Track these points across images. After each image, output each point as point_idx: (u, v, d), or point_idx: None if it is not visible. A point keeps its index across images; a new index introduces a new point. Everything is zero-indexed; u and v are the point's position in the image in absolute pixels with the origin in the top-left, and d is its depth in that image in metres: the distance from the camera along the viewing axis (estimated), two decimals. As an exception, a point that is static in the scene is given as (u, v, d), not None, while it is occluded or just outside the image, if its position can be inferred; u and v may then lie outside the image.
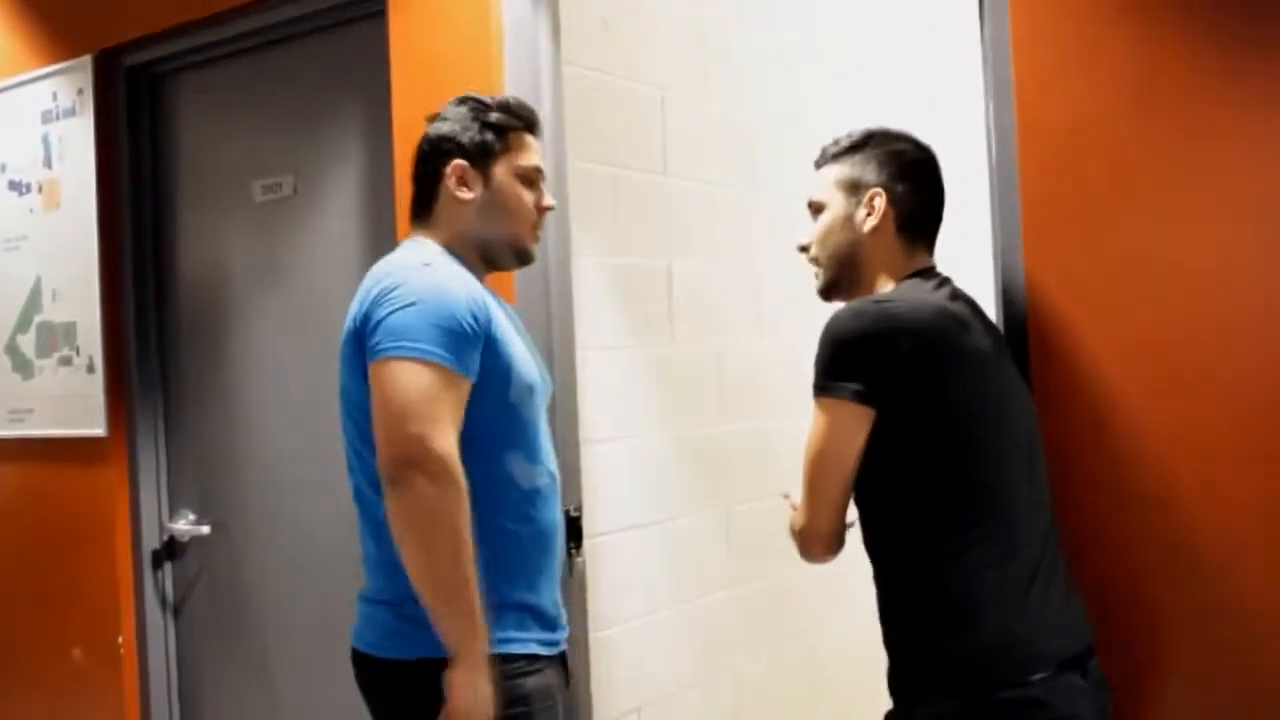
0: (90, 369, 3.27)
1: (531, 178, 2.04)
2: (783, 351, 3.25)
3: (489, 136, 2.01)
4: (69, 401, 3.33)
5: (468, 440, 1.83)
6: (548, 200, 2.08)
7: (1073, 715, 1.70)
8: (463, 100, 2.05)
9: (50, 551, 3.43)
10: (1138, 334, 1.90)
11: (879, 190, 1.88)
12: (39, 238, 3.40)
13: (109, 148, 3.27)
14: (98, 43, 3.27)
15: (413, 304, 1.82)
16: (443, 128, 2.02)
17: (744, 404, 3.18)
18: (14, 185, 3.46)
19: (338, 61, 2.91)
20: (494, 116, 2.02)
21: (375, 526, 1.92)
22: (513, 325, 2.02)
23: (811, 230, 1.96)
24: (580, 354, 2.59)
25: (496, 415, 1.88)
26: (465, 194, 1.99)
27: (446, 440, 1.77)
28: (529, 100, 2.46)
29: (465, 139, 2.00)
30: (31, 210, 3.42)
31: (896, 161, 1.90)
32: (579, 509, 2.49)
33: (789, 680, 3.31)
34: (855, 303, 1.78)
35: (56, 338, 3.36)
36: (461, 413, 1.82)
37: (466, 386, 1.83)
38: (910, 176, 1.90)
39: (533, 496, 1.94)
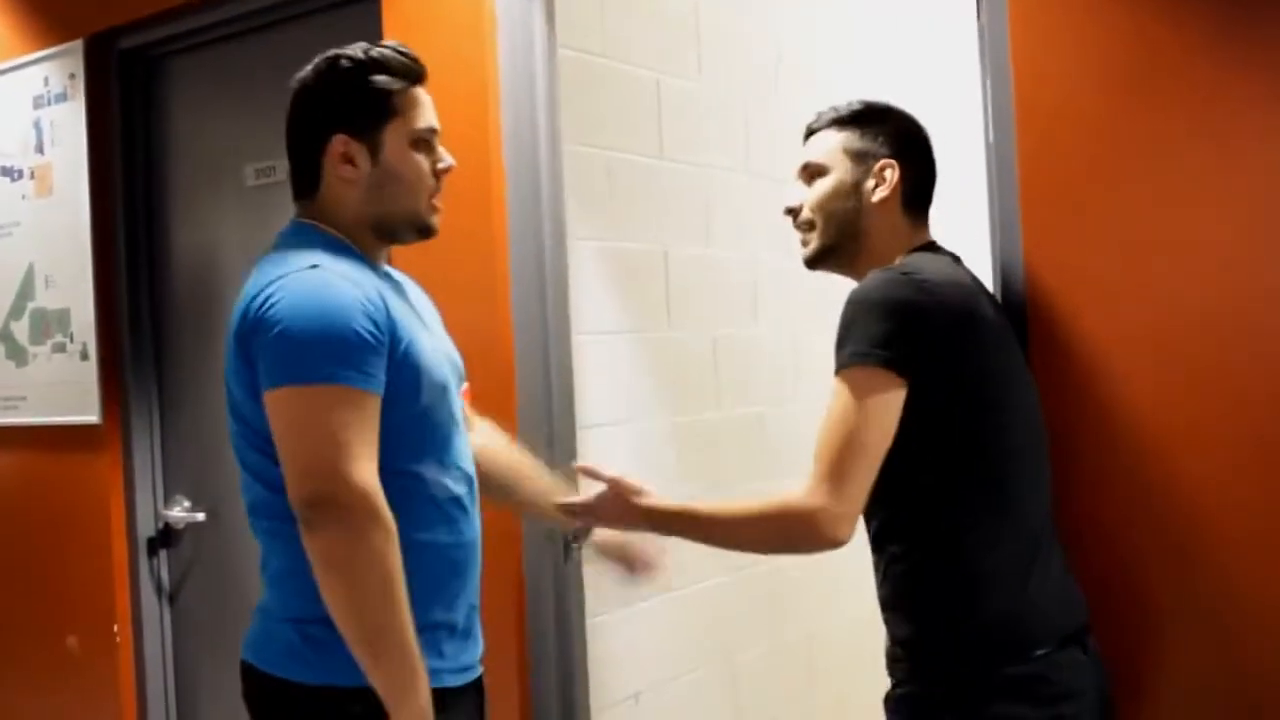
0: (84, 356, 3.26)
1: (427, 139, 1.80)
2: (779, 336, 3.25)
3: (372, 103, 1.76)
4: (63, 388, 3.31)
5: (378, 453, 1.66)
6: (446, 161, 1.83)
7: (1075, 689, 1.70)
8: (332, 60, 1.79)
9: (45, 540, 3.42)
10: (1136, 319, 1.89)
11: (890, 162, 1.85)
12: (31, 224, 3.38)
13: (101, 133, 3.25)
14: (89, 27, 3.24)
15: (303, 317, 1.62)
16: (315, 95, 1.79)
17: (740, 389, 3.16)
18: (5, 171, 3.44)
19: (331, 44, 2.85)
20: (377, 79, 1.76)
21: (271, 541, 1.77)
22: (414, 311, 1.84)
23: (804, 193, 1.91)
24: (576, 339, 2.58)
25: (407, 423, 1.70)
26: (351, 173, 1.77)
27: (363, 472, 1.59)
28: (523, 83, 2.46)
29: (345, 108, 1.76)
30: (23, 196, 3.40)
31: (905, 135, 1.89)
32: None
33: (787, 665, 3.31)
34: (882, 272, 1.73)
35: (50, 325, 3.35)
36: (375, 434, 1.64)
37: (376, 402, 1.65)
38: (916, 151, 1.89)
39: (451, 507, 1.77)
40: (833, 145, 1.89)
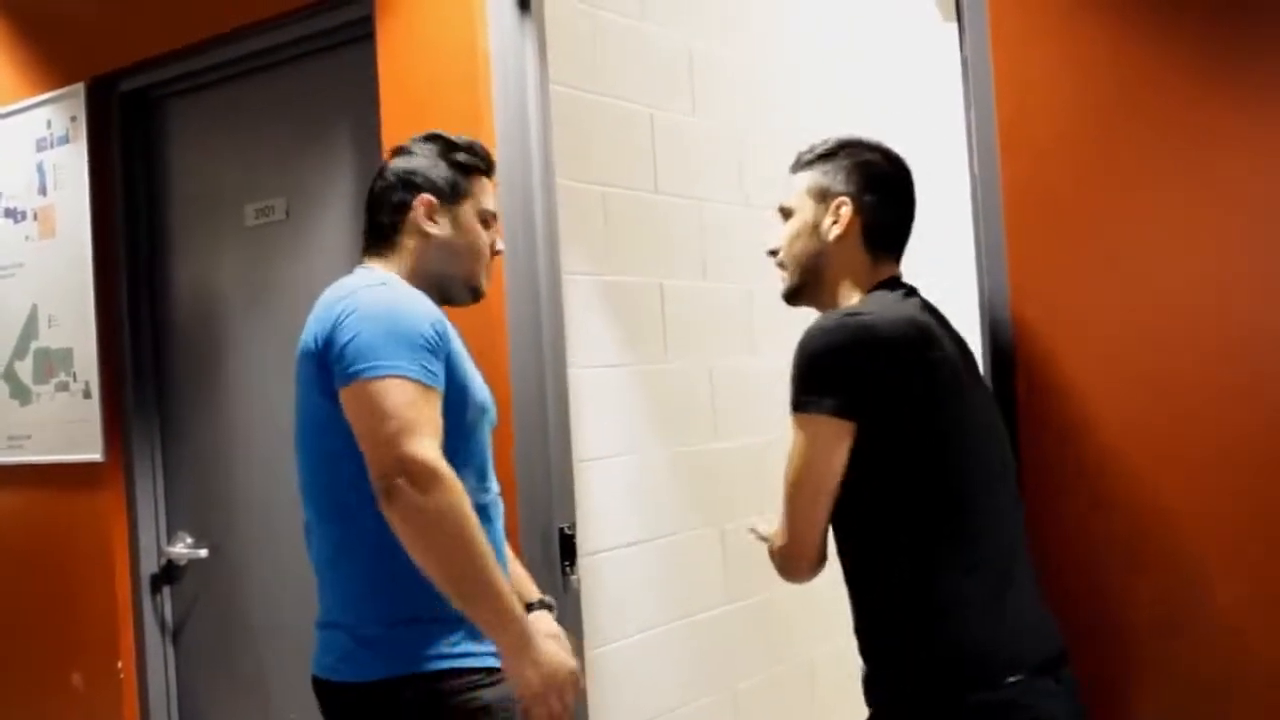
0: (87, 394, 3.28)
1: (489, 219, 2.10)
2: (774, 367, 3.25)
3: (458, 176, 2.06)
4: (66, 427, 3.34)
5: None
6: (500, 244, 2.15)
7: (1046, 718, 1.71)
8: (430, 138, 2.09)
9: (49, 577, 3.44)
10: (1121, 350, 1.90)
11: (845, 199, 1.88)
12: (35, 265, 3.42)
13: (103, 174, 3.28)
14: (90, 70, 3.29)
15: (374, 323, 1.84)
16: (412, 163, 2.06)
17: (736, 420, 3.18)
18: (9, 213, 3.48)
19: (328, 85, 2.92)
20: (462, 157, 2.07)
21: (331, 549, 1.96)
22: (464, 344, 2.03)
23: (780, 234, 1.96)
24: (572, 372, 2.60)
25: (454, 434, 1.88)
26: (433, 228, 2.03)
27: (427, 444, 1.78)
28: (516, 119, 2.50)
29: (435, 176, 2.04)
30: (27, 237, 3.43)
31: (866, 172, 1.90)
32: (573, 527, 2.50)
33: (788, 693, 3.31)
34: (826, 317, 1.78)
35: (53, 364, 3.37)
36: (440, 421, 1.84)
37: (438, 397, 1.86)
38: (879, 188, 1.90)
39: (480, 512, 1.89)
40: (800, 186, 1.94)
